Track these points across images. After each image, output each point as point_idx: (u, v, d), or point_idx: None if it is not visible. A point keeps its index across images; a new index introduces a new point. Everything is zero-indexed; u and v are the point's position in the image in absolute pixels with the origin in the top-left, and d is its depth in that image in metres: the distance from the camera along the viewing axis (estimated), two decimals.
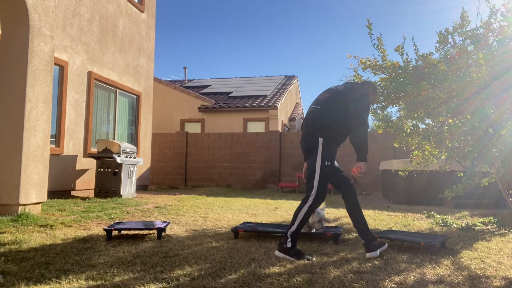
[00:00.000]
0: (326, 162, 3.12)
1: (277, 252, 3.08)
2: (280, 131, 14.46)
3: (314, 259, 3.01)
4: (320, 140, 3.15)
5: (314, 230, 3.75)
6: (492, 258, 3.18)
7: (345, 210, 6.39)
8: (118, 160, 7.26)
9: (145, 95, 10.26)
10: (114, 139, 8.84)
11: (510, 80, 4.01)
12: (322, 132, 3.18)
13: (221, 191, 10.40)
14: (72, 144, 7.53)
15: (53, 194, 6.82)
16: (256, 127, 14.80)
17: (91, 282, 2.36)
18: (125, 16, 9.36)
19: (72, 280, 2.38)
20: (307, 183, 3.19)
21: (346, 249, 3.43)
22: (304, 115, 21.17)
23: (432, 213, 5.91)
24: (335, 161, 3.27)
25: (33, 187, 4.84)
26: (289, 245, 3.02)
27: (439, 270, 2.77)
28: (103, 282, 2.37)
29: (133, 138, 9.83)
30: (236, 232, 3.86)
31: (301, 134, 3.34)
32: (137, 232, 4.09)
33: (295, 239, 3.06)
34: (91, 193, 7.95)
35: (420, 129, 5.16)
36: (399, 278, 2.55)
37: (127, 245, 3.43)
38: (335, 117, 3.21)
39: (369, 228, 3.14)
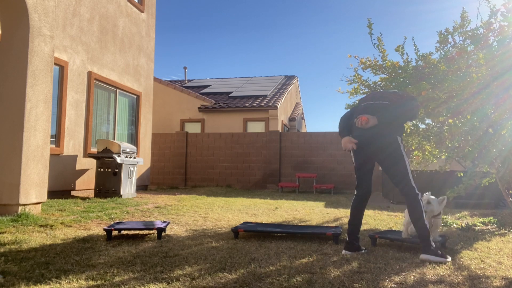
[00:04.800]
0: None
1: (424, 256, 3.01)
2: (280, 131, 14.45)
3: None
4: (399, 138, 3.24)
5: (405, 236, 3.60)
6: (492, 258, 3.18)
7: (345, 210, 6.38)
8: (118, 160, 7.26)
9: (145, 95, 10.26)
10: (114, 139, 8.84)
11: (510, 80, 4.02)
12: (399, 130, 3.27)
13: (221, 191, 10.39)
14: (72, 144, 7.53)
15: (53, 194, 6.82)
16: (256, 127, 14.80)
17: (91, 282, 2.36)
18: (125, 16, 9.36)
19: (72, 280, 2.38)
20: (398, 185, 3.20)
21: None
22: (304, 115, 21.16)
23: None
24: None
25: (33, 187, 4.84)
26: (433, 245, 3.03)
27: (439, 270, 2.77)
28: (103, 282, 2.37)
29: (133, 138, 9.83)
30: (236, 232, 3.86)
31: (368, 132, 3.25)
32: (137, 232, 4.09)
33: (431, 240, 3.05)
34: (91, 193, 7.95)
35: (420, 129, 5.16)
36: (399, 278, 2.55)
37: (127, 245, 3.43)
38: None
39: (369, 228, 3.14)
